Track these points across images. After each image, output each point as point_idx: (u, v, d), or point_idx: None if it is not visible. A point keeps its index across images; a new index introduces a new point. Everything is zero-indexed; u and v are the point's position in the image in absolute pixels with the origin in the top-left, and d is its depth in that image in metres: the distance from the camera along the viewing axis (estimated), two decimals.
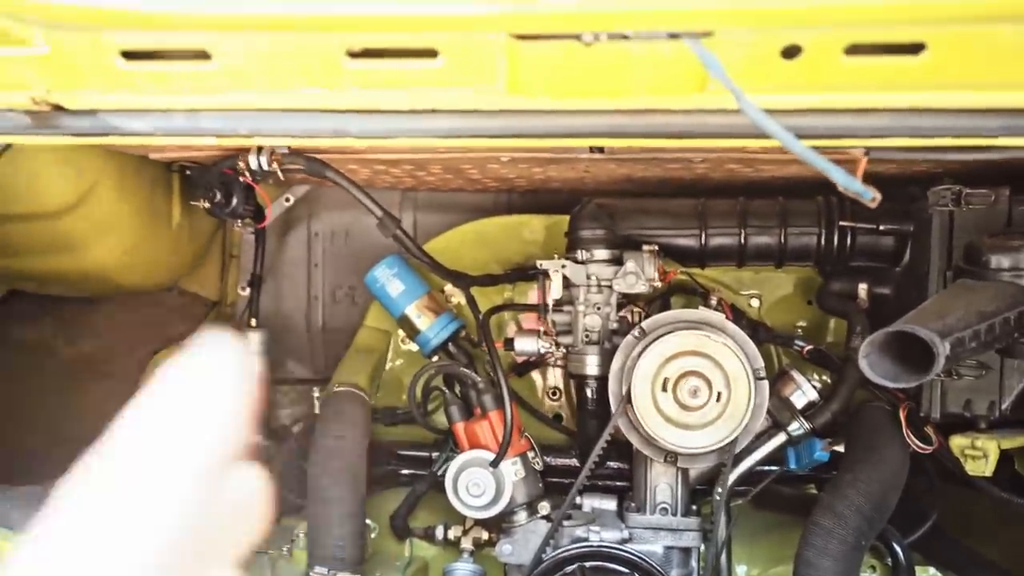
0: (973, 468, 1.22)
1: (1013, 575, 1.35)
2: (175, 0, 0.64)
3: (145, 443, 0.32)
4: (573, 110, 0.79)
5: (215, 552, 0.32)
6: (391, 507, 1.52)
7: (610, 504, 1.39)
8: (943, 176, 1.27)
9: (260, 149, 1.23)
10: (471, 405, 1.47)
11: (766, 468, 1.40)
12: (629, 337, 1.28)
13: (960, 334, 0.95)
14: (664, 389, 1.23)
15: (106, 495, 0.30)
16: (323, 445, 1.39)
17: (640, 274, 1.37)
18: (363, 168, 1.45)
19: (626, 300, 1.43)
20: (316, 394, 1.63)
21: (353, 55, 0.71)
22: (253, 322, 1.72)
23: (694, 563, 1.36)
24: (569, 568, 1.31)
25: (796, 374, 1.39)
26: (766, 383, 1.25)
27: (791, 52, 0.69)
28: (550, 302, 1.42)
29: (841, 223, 1.43)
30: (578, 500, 1.38)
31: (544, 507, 1.41)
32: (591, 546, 1.32)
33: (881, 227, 1.39)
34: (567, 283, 1.41)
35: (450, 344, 1.52)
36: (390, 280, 1.52)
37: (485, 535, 1.45)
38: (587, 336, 1.42)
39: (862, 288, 1.44)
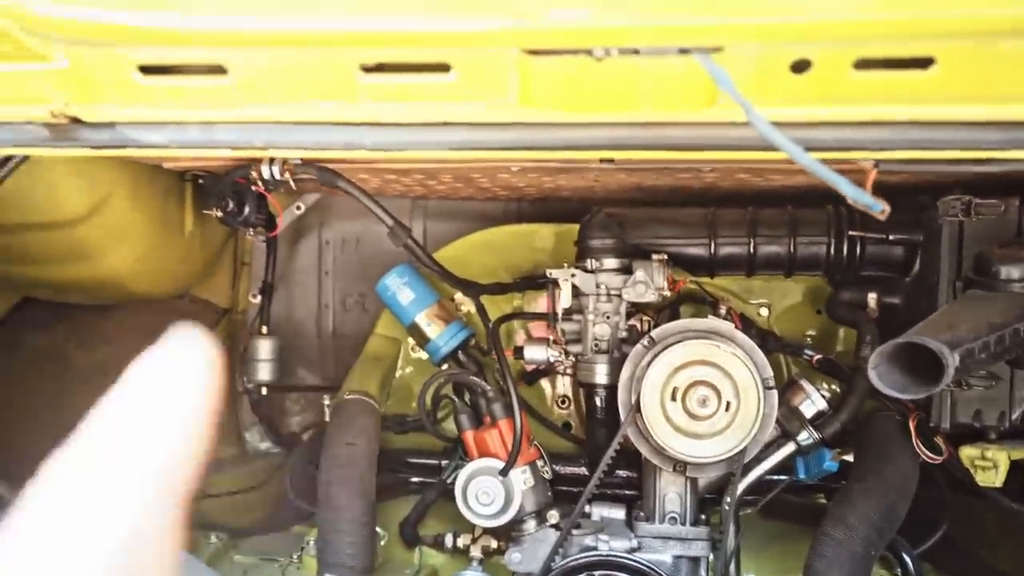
0: (983, 479, 1.22)
1: None
2: (193, 17, 0.65)
3: (104, 447, 0.32)
4: (584, 123, 0.79)
5: (163, 557, 0.32)
6: (401, 515, 1.52)
7: (619, 513, 1.39)
8: (953, 185, 1.27)
9: (273, 159, 1.24)
10: (480, 413, 1.48)
11: (775, 478, 1.40)
12: (638, 346, 1.29)
13: (969, 345, 0.95)
14: (673, 398, 1.23)
15: (62, 498, 0.31)
16: (333, 453, 1.39)
17: (650, 283, 1.37)
18: (374, 177, 1.46)
19: (635, 309, 1.44)
20: (326, 402, 1.64)
21: (367, 69, 0.72)
22: (264, 329, 1.73)
23: (703, 573, 1.36)
24: None
25: (805, 383, 1.38)
26: (775, 392, 1.25)
27: (800, 66, 0.69)
28: (560, 311, 1.43)
29: (851, 232, 1.43)
30: (587, 509, 1.38)
31: (553, 516, 1.41)
32: (600, 555, 1.33)
33: (891, 237, 1.40)
34: (576, 292, 1.42)
35: (460, 352, 1.53)
36: (400, 289, 1.53)
37: (494, 543, 1.45)
38: (596, 345, 1.42)
39: (872, 298, 1.44)
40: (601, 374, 1.42)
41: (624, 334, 1.41)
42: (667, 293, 1.39)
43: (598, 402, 1.45)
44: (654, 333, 1.29)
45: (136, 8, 0.66)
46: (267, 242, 1.73)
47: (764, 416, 1.22)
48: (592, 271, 1.41)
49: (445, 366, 1.55)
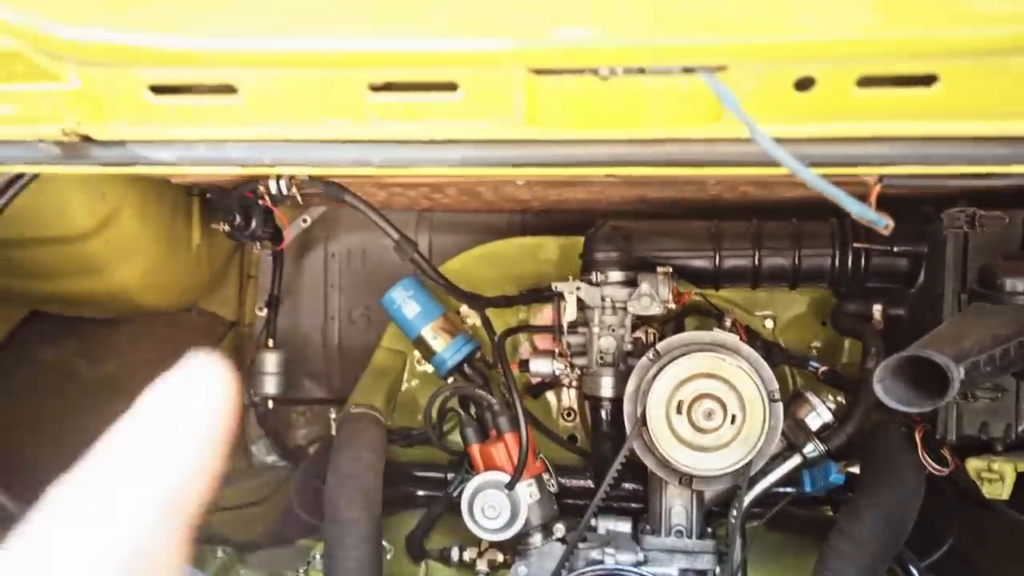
0: (990, 491, 1.21)
1: None
2: (203, 39, 0.66)
3: (113, 467, 0.32)
4: (589, 139, 0.80)
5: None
6: (406, 528, 1.52)
7: (625, 526, 1.39)
8: (957, 196, 1.27)
9: (280, 175, 1.25)
10: (486, 426, 1.48)
11: (781, 490, 1.40)
12: (644, 359, 1.29)
13: (975, 358, 0.95)
14: (679, 411, 1.23)
15: (68, 515, 0.31)
16: (339, 467, 1.40)
17: (655, 296, 1.38)
18: (380, 191, 1.47)
19: (640, 321, 1.44)
20: (332, 415, 1.65)
21: (375, 88, 0.73)
22: (270, 342, 1.74)
23: None
24: None
25: (811, 396, 1.38)
26: (780, 405, 1.25)
27: (804, 84, 0.70)
28: (565, 324, 1.43)
29: (855, 244, 1.43)
30: (593, 522, 1.38)
31: (559, 529, 1.41)
32: (606, 568, 1.32)
33: (895, 248, 1.40)
34: (582, 305, 1.42)
35: (465, 365, 1.54)
36: (406, 302, 1.53)
37: (500, 557, 1.45)
38: (602, 358, 1.42)
39: (877, 309, 1.45)
40: (607, 387, 1.42)
41: (629, 347, 1.42)
42: (672, 305, 1.39)
43: (604, 415, 1.46)
44: (659, 346, 1.29)
45: (148, 30, 0.67)
46: (273, 255, 1.74)
47: (770, 429, 1.22)
48: (597, 284, 1.42)
49: (451, 379, 1.55)
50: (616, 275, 1.42)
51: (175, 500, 0.32)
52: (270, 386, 1.72)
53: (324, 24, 0.67)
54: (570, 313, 1.41)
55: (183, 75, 0.74)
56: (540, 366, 1.45)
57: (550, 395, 1.69)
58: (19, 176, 1.00)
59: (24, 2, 0.67)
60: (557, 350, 1.46)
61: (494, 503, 1.37)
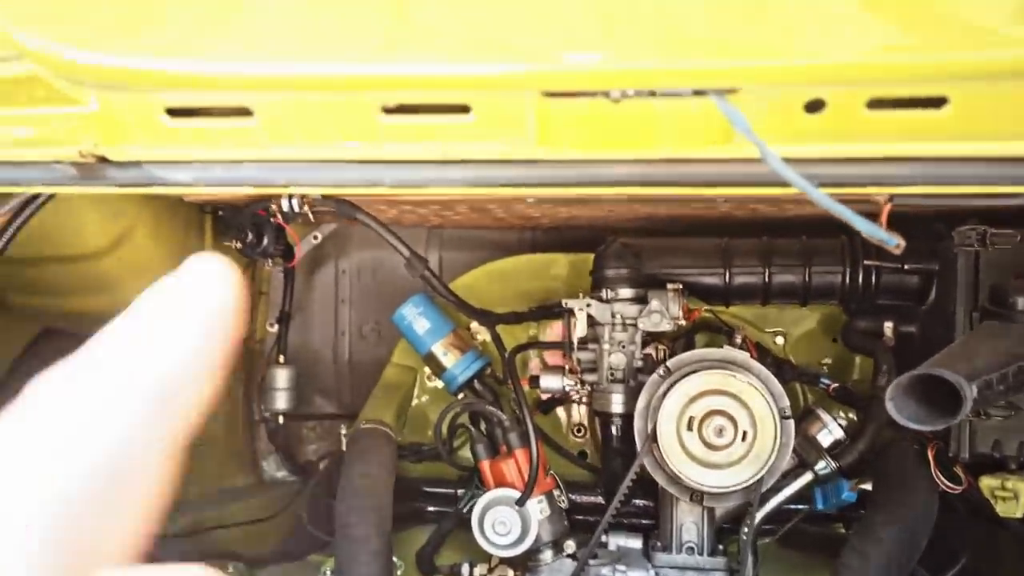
0: (1003, 509, 1.21)
1: None
2: (220, 63, 0.67)
3: (101, 357, 0.30)
4: (600, 160, 0.81)
5: (153, 474, 0.29)
6: (417, 544, 1.52)
7: (636, 543, 1.39)
8: (969, 214, 1.27)
9: (292, 194, 1.26)
10: (497, 443, 1.48)
11: (793, 507, 1.39)
12: (654, 376, 1.29)
13: (987, 377, 0.95)
14: (689, 428, 1.23)
15: (48, 401, 0.29)
16: (350, 483, 1.40)
17: (665, 313, 1.38)
18: (391, 208, 1.48)
19: (651, 338, 1.44)
20: (343, 431, 1.65)
21: (388, 111, 0.74)
22: (281, 358, 1.75)
23: None
24: None
25: (822, 412, 1.38)
26: (792, 422, 1.25)
27: (814, 106, 0.70)
28: (575, 340, 1.43)
29: (866, 262, 1.43)
30: (604, 538, 1.38)
31: (570, 545, 1.41)
32: None
33: (906, 266, 1.40)
34: (592, 321, 1.43)
35: (476, 381, 1.54)
36: (416, 318, 1.54)
37: (511, 573, 1.45)
38: (612, 374, 1.42)
39: (888, 326, 1.44)
40: (617, 403, 1.42)
41: (640, 363, 1.42)
42: (682, 322, 1.40)
43: (614, 431, 1.46)
44: (670, 363, 1.29)
45: (166, 55, 0.68)
46: (285, 272, 1.75)
47: (781, 446, 1.22)
48: (607, 300, 1.42)
49: (461, 395, 1.55)
50: (626, 292, 1.43)
51: (166, 397, 0.29)
52: (281, 402, 1.73)
53: (338, 49, 0.68)
54: (580, 329, 1.42)
55: (199, 99, 0.75)
56: (550, 382, 1.46)
57: (560, 411, 1.69)
58: (35, 196, 1.01)
59: (45, 28, 0.68)
60: (567, 366, 1.46)
61: (504, 519, 1.37)
